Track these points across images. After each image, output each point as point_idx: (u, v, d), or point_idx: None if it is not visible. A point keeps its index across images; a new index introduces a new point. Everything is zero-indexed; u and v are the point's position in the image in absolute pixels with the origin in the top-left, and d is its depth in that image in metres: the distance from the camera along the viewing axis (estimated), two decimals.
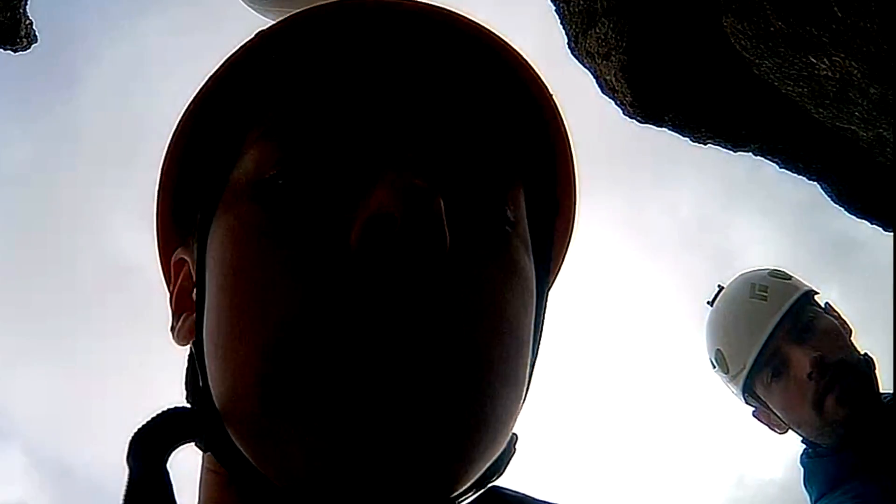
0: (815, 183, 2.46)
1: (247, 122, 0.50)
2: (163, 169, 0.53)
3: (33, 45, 2.23)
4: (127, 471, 0.43)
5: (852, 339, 1.65)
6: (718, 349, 1.69)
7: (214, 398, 0.44)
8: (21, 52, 2.22)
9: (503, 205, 0.47)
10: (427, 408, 0.38)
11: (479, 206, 0.46)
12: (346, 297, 0.40)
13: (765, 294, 1.65)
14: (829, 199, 2.51)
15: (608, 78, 1.91)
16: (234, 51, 0.50)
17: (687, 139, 1.94)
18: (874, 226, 2.48)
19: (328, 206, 0.44)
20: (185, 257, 0.54)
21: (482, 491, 0.45)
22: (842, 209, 2.45)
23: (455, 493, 0.42)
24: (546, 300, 0.53)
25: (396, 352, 0.39)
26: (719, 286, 1.80)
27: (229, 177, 0.49)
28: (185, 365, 0.51)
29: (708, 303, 1.80)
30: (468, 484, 0.43)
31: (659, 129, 1.87)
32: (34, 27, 2.23)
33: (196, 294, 0.49)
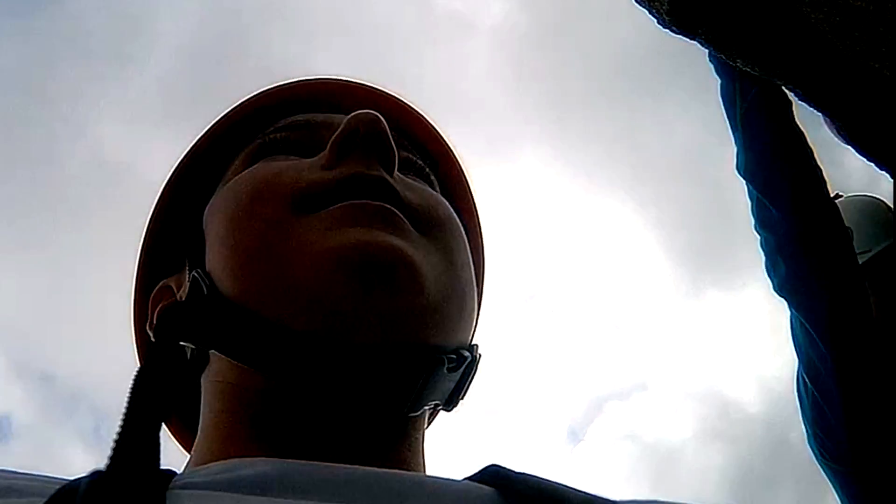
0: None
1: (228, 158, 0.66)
2: (154, 212, 0.67)
3: None
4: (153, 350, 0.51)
5: None
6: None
7: (227, 283, 0.53)
8: None
9: (424, 166, 0.67)
10: (396, 229, 0.53)
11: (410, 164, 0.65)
12: (336, 175, 0.55)
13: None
14: (839, 138, 2.53)
15: None
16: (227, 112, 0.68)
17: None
18: (882, 171, 2.51)
19: (309, 145, 0.62)
20: (171, 283, 0.64)
21: (483, 469, 0.47)
22: (850, 149, 2.48)
23: (435, 341, 0.52)
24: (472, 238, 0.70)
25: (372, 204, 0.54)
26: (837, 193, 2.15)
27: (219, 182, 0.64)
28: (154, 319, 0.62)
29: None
30: (443, 335, 0.53)
31: (690, 41, 1.86)
32: None
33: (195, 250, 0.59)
